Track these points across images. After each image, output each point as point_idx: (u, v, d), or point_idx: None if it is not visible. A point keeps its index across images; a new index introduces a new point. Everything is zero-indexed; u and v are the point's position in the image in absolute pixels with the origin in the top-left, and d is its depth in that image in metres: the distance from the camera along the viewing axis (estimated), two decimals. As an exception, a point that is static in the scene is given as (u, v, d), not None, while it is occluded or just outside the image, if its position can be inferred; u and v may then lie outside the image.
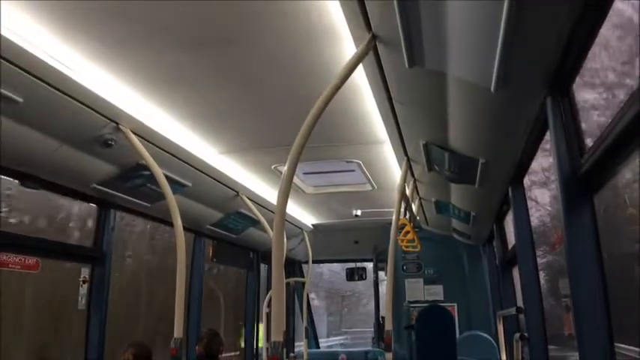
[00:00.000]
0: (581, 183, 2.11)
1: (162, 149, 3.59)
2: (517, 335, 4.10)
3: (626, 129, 1.64)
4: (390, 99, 2.88)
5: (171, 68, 2.87)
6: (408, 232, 5.10)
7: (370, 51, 2.34)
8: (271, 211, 2.63)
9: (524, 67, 2.08)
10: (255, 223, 5.45)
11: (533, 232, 3.66)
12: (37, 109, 2.77)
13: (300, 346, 7.59)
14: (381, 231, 6.33)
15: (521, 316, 4.15)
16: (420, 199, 5.30)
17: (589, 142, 2.07)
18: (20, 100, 2.60)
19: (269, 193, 5.20)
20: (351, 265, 8.60)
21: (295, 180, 5.07)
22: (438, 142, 3.26)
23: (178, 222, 3.57)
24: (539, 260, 3.74)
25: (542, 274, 4.33)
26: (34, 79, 2.56)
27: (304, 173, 5.06)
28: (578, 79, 2.12)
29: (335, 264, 13.71)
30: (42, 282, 4.96)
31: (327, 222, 7.03)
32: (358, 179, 5.10)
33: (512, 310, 4.39)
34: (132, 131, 3.25)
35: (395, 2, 1.87)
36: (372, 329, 8.31)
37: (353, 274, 8.50)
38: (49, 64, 2.56)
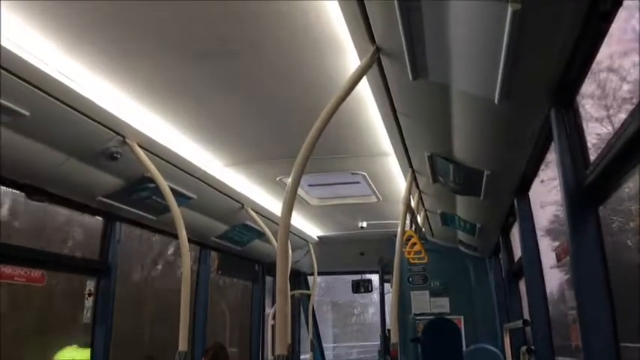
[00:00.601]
0: (586, 195, 2.10)
1: (167, 162, 3.61)
2: (524, 348, 4.06)
3: (630, 141, 1.64)
4: (394, 111, 2.89)
5: (176, 81, 2.89)
6: (414, 244, 5.08)
7: (374, 63, 2.35)
8: (276, 223, 2.63)
9: (527, 79, 2.08)
10: (261, 235, 5.45)
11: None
12: (44, 123, 2.79)
13: (307, 359, 7.57)
14: (386, 243, 6.31)
15: (528, 329, 4.12)
16: (425, 210, 5.29)
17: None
18: (27, 113, 2.62)
19: (274, 205, 5.20)
20: (357, 277, 8.57)
21: (300, 192, 5.08)
22: (442, 154, 3.26)
23: (183, 234, 3.57)
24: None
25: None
26: (41, 93, 2.58)
27: (309, 185, 5.06)
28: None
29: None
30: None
31: (333, 234, 7.02)
32: (363, 191, 5.10)
33: (519, 323, 4.36)
34: (138, 144, 3.27)
35: (398, 15, 1.88)
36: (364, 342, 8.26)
37: (359, 287, 8.46)
38: (55, 78, 2.58)
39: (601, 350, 1.99)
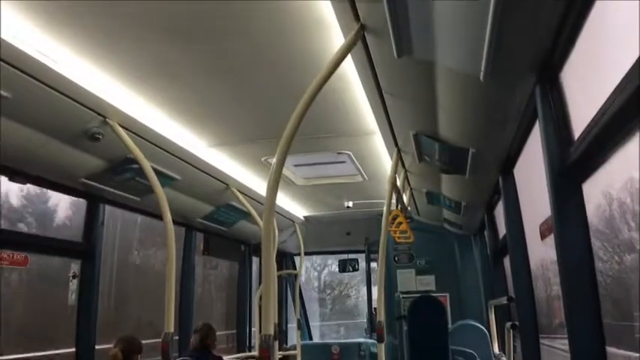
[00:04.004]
0: (570, 172, 2.11)
1: (150, 142, 3.56)
2: (508, 324, 4.12)
3: (613, 118, 1.64)
4: (379, 89, 2.87)
5: (158, 61, 2.85)
6: (400, 223, 5.10)
7: (359, 41, 2.33)
8: (262, 204, 2.60)
9: (512, 56, 2.07)
10: (246, 215, 5.44)
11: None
12: (24, 104, 2.74)
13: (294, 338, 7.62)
14: (372, 222, 6.33)
15: (513, 305, 4.17)
16: (411, 189, 5.30)
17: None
18: (7, 94, 2.57)
19: (260, 185, 5.18)
20: (344, 256, 8.61)
21: (286, 172, 5.06)
22: (428, 133, 3.26)
23: (168, 216, 3.55)
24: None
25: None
26: (21, 74, 2.53)
27: (295, 165, 5.04)
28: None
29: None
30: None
31: (319, 214, 7.02)
32: (349, 170, 5.09)
33: (504, 300, 4.41)
34: (119, 125, 3.23)
35: None
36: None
37: (345, 266, 8.52)
38: (35, 59, 2.53)
39: (584, 324, 2.02)
